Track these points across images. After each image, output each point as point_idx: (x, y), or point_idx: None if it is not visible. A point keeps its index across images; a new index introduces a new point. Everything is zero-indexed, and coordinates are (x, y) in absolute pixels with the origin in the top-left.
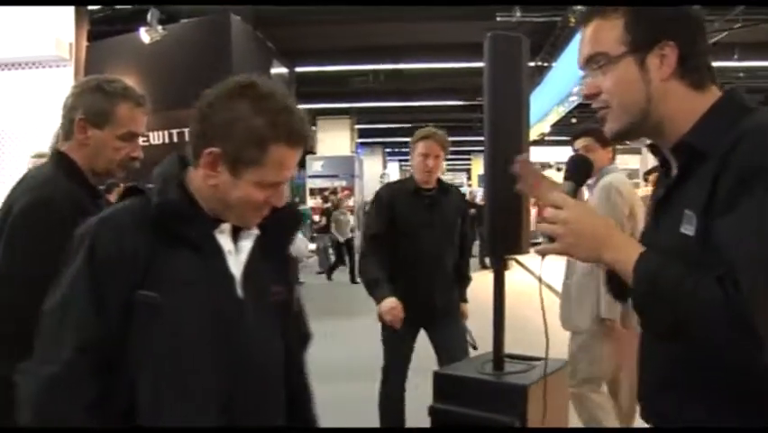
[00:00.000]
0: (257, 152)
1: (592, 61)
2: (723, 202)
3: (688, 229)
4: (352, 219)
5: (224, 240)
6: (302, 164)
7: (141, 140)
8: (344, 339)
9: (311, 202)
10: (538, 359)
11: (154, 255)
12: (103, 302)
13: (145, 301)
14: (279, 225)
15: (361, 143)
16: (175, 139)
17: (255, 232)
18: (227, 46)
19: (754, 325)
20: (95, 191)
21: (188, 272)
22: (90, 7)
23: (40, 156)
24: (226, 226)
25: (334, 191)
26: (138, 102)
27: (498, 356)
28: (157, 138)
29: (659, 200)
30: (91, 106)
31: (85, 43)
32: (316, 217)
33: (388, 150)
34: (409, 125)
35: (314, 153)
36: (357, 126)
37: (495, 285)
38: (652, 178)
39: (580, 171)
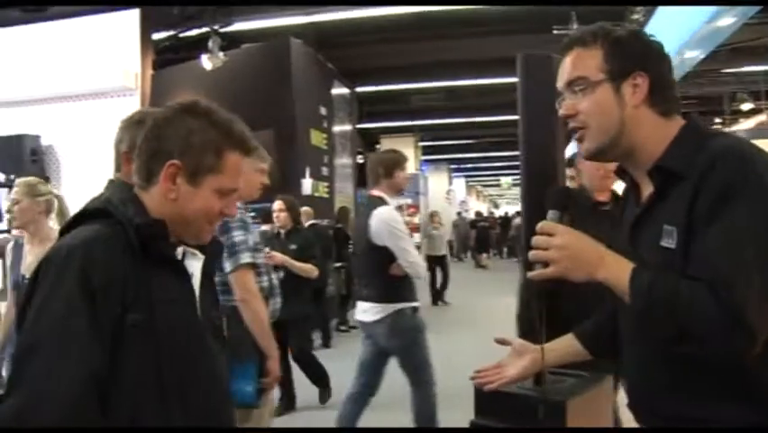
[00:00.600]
0: (215, 159)
1: (573, 84)
2: (705, 215)
3: (669, 243)
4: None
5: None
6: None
7: None
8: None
9: None
10: (582, 375)
11: (139, 278)
12: (101, 330)
13: (135, 324)
14: (209, 253)
15: (426, 160)
16: None
17: (200, 256)
18: (287, 69)
19: (747, 322)
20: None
21: (169, 291)
22: (154, 37)
23: None
24: (180, 250)
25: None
26: None
27: (539, 371)
28: None
29: (635, 219)
30: (133, 140)
31: (150, 72)
32: None
33: (453, 166)
34: (473, 141)
35: None
36: (421, 144)
37: (540, 319)
38: None
39: (561, 200)
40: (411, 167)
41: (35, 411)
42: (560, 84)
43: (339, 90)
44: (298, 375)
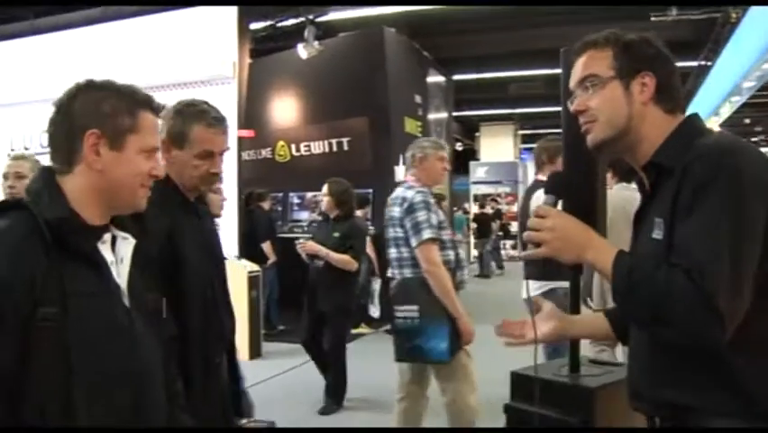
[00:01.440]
0: (131, 119)
1: (585, 81)
2: (683, 208)
3: (658, 234)
4: None
5: (107, 251)
6: (465, 170)
7: (222, 157)
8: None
9: (475, 208)
10: (619, 364)
11: (49, 271)
12: (7, 325)
13: (46, 318)
14: (143, 234)
15: (526, 149)
16: (335, 148)
17: (132, 241)
18: (382, 58)
19: (718, 308)
20: (188, 204)
21: (85, 284)
22: (252, 27)
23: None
24: (107, 237)
25: (493, 199)
26: (210, 123)
27: (575, 360)
28: (318, 148)
29: (636, 214)
30: (171, 129)
31: (247, 61)
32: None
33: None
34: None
35: (477, 159)
36: (520, 132)
37: (571, 293)
38: None
39: (556, 185)
40: (510, 155)
41: None
42: (572, 83)
43: (435, 78)
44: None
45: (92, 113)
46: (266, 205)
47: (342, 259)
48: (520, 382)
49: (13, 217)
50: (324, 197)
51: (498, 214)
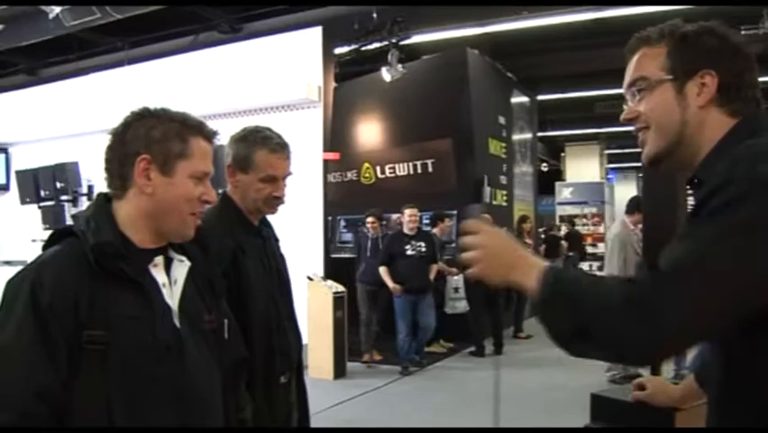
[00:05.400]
0: (181, 144)
1: (634, 86)
2: (688, 222)
3: None
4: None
5: (159, 274)
6: (551, 191)
7: (284, 182)
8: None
9: (564, 229)
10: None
11: (95, 294)
12: (54, 348)
13: (93, 340)
14: (206, 258)
15: (612, 168)
16: (419, 170)
17: (187, 263)
18: (465, 79)
19: (664, 317)
20: (251, 226)
21: (130, 308)
22: (336, 51)
23: None
24: (159, 260)
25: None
26: (273, 149)
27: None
28: (402, 169)
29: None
30: (236, 154)
31: (332, 85)
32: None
33: (642, 175)
34: None
35: (562, 180)
36: (606, 151)
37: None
38: None
39: (480, 192)
40: (596, 175)
41: None
42: (623, 87)
43: (519, 99)
44: None
45: (143, 139)
46: (372, 224)
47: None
48: (601, 404)
49: (63, 244)
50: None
51: (572, 235)
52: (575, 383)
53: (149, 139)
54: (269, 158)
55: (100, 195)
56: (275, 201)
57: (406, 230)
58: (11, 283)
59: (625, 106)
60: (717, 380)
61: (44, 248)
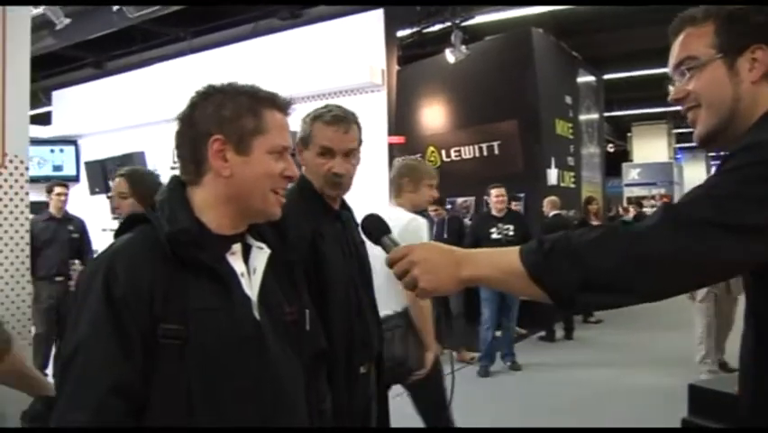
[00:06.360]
0: (255, 119)
1: (682, 65)
2: None
3: None
4: None
5: (236, 262)
6: (617, 172)
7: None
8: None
9: (632, 211)
10: None
11: (171, 285)
12: (129, 341)
13: (170, 336)
14: (285, 245)
15: (681, 148)
16: (485, 153)
17: (267, 251)
18: (530, 59)
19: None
20: (329, 210)
21: (209, 299)
22: (399, 34)
23: None
24: (237, 247)
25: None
26: (327, 121)
27: None
28: (468, 152)
29: None
30: (301, 132)
31: (395, 68)
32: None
33: (711, 154)
34: None
35: (630, 161)
36: (675, 131)
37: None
38: None
39: (382, 226)
40: (664, 155)
41: (68, 417)
42: (669, 68)
43: (585, 78)
44: None
45: (213, 118)
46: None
47: None
48: (699, 396)
49: (137, 231)
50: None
51: (640, 219)
52: (653, 370)
53: (219, 118)
54: (323, 130)
55: (173, 178)
56: (335, 178)
57: (494, 212)
58: (88, 270)
59: (671, 87)
60: (749, 349)
61: (116, 235)
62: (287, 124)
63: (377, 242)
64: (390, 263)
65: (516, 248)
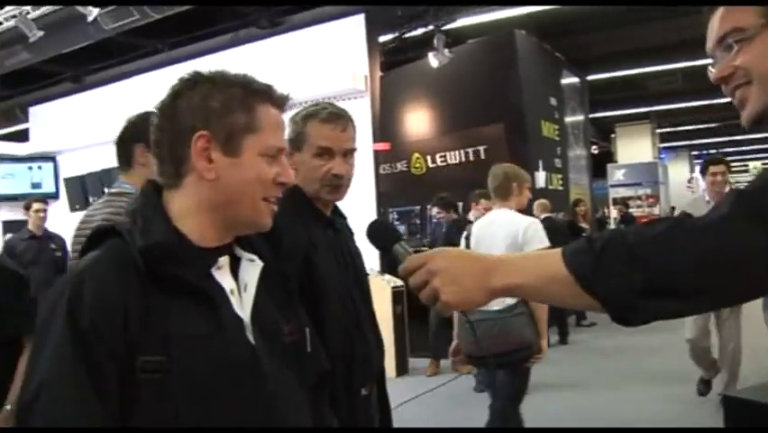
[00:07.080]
0: (246, 115)
1: (727, 38)
2: None
3: None
4: None
5: (224, 278)
6: (602, 173)
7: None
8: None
9: (614, 212)
10: None
11: (148, 309)
12: (102, 378)
13: (150, 369)
14: (278, 256)
15: (665, 148)
16: (471, 157)
17: (259, 264)
18: (513, 61)
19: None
20: (321, 217)
21: (194, 323)
22: (381, 39)
23: None
24: (225, 261)
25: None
26: (324, 119)
27: None
28: (454, 158)
29: None
30: (291, 134)
31: (378, 74)
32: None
33: (695, 153)
34: (716, 125)
35: (614, 162)
36: (659, 130)
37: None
38: None
39: (392, 233)
40: (649, 155)
41: None
42: (709, 46)
43: (569, 80)
44: None
45: (199, 111)
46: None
47: None
48: (735, 408)
49: (105, 247)
50: None
51: (628, 220)
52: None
53: (206, 110)
54: (320, 128)
55: (148, 182)
56: (335, 180)
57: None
58: (50, 294)
59: (711, 69)
60: None
61: (83, 252)
62: (282, 122)
63: (387, 251)
64: (406, 274)
65: (557, 250)
